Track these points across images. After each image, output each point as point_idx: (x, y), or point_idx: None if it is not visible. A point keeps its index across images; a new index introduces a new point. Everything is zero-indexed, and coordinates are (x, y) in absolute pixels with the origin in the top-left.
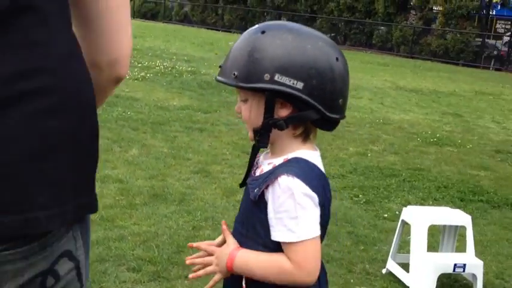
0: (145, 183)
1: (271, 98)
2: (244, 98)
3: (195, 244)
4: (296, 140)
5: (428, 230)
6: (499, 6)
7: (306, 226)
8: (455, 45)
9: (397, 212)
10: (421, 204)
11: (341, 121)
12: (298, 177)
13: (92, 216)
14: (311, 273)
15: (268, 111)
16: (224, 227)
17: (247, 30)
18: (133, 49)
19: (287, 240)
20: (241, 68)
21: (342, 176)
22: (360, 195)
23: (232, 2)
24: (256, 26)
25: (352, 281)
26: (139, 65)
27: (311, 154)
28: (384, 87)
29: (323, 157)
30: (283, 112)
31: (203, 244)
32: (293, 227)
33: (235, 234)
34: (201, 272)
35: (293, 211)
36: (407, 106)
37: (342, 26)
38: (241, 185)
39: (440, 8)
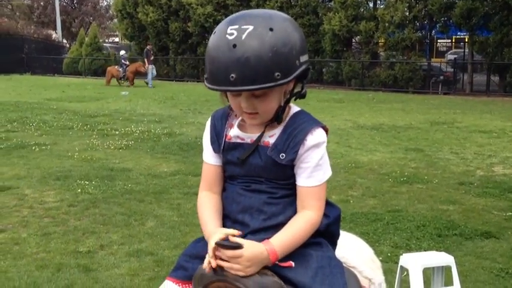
0: (173, 252)
1: (302, 77)
2: (262, 93)
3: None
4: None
5: (422, 272)
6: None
7: (327, 169)
8: (404, 74)
9: (388, 254)
10: (407, 245)
11: None
12: (318, 126)
13: None
14: (322, 211)
15: (294, 89)
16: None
17: (250, 33)
18: (102, 115)
19: (313, 185)
20: (280, 66)
21: None
22: None
23: (182, 52)
24: (248, 27)
25: None
26: (117, 132)
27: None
28: (346, 128)
29: None
30: (291, 84)
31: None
32: (317, 172)
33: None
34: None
35: (320, 158)
36: (372, 146)
37: None
38: (242, 158)
39: (383, 40)
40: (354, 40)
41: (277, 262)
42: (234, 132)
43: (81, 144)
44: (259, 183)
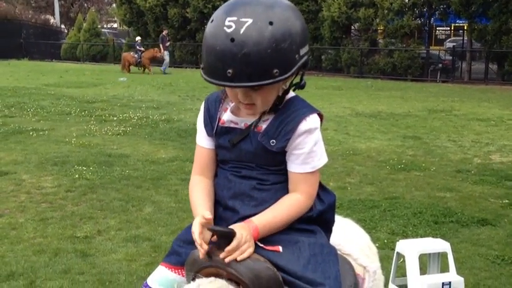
0: (170, 238)
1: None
2: (259, 87)
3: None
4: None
5: (418, 258)
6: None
7: (322, 155)
8: (402, 62)
9: (385, 241)
10: (404, 232)
11: None
12: (313, 112)
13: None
14: (313, 197)
15: (292, 80)
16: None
17: (249, 28)
18: (100, 100)
19: (305, 171)
20: (279, 63)
21: None
22: None
23: (180, 39)
24: (247, 20)
25: None
26: (115, 118)
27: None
28: (345, 115)
29: None
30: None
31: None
32: (311, 158)
33: (241, 207)
34: (245, 255)
35: (314, 145)
36: (370, 133)
37: None
38: (232, 143)
39: (382, 28)
40: (353, 27)
41: (262, 245)
42: (227, 117)
43: (78, 130)
44: (249, 169)
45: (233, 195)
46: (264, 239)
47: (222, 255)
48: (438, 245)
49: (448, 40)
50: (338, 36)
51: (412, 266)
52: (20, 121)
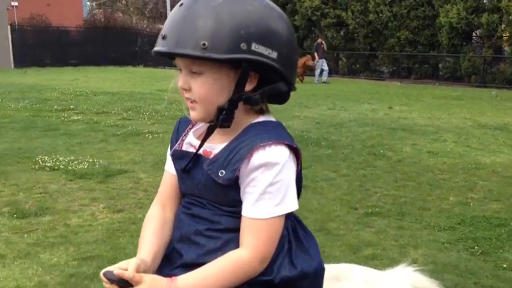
0: None
1: (247, 69)
2: (199, 71)
3: (116, 272)
4: (251, 114)
5: None
6: None
7: (285, 201)
8: None
9: None
10: None
11: (434, 169)
12: (276, 143)
13: None
14: (264, 256)
15: (241, 84)
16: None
17: None
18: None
19: (255, 216)
20: (211, 37)
21: (452, 228)
22: (475, 247)
23: None
24: None
25: None
26: None
27: (270, 118)
28: (466, 127)
29: (426, 208)
30: (249, 85)
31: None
32: (264, 201)
33: (187, 245)
34: None
35: (271, 184)
36: (495, 147)
37: (404, 60)
38: (183, 170)
39: (508, 34)
40: (474, 33)
41: None
42: (188, 139)
43: None
44: (201, 207)
45: (180, 237)
46: None
47: None
48: None
49: None
50: (457, 43)
51: None
52: (136, 124)
